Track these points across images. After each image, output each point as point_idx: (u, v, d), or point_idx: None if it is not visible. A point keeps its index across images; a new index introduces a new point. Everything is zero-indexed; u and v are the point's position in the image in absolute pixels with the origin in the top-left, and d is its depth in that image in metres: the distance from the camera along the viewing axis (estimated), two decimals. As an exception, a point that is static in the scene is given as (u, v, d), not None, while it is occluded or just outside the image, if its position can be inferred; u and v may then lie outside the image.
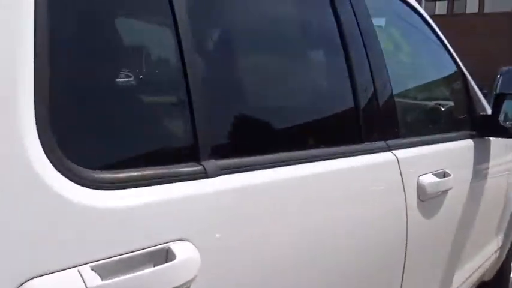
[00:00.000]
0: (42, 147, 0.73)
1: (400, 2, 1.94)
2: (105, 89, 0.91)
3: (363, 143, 1.47)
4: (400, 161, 1.53)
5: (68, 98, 0.83)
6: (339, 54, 1.48)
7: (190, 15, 1.00)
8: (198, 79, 1.00)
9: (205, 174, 0.97)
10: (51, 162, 0.74)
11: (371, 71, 1.54)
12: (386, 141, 1.54)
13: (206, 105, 1.00)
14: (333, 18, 1.47)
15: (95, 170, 0.81)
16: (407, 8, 2.00)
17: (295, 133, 1.31)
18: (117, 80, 0.93)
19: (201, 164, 0.97)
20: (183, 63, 0.97)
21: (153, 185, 0.89)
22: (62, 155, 0.76)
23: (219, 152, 1.03)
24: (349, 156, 1.37)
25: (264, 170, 1.10)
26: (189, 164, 0.96)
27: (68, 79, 0.83)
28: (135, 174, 0.87)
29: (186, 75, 0.97)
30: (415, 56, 2.20)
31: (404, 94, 1.94)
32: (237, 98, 1.19)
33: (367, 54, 1.53)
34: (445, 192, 1.75)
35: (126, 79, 0.94)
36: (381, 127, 1.56)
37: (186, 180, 0.94)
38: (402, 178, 1.53)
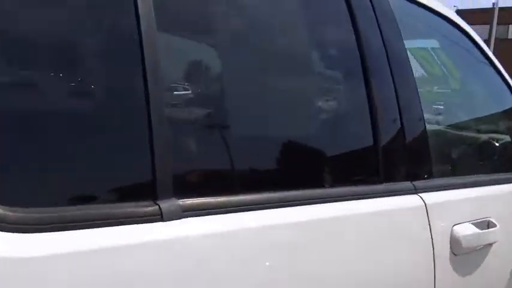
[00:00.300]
0: None
1: (447, 24, 1.71)
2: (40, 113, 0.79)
3: (383, 183, 1.25)
4: (428, 206, 1.30)
5: None
6: (358, 80, 1.28)
7: (156, 55, 0.86)
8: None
9: (159, 217, 0.81)
10: None
11: (397, 100, 1.33)
12: (413, 182, 1.32)
13: (168, 130, 0.86)
14: (354, 39, 1.28)
15: (16, 208, 0.69)
16: (456, 31, 1.76)
17: (290, 168, 1.13)
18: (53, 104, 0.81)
19: (156, 204, 0.83)
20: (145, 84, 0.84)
21: (94, 227, 0.75)
22: None
23: (184, 189, 0.88)
24: (360, 198, 1.17)
25: (243, 213, 0.93)
26: (143, 203, 0.82)
27: None
28: (69, 214, 0.74)
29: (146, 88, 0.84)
30: (461, 84, 1.95)
31: (444, 127, 1.70)
32: (214, 125, 1.04)
33: (394, 81, 1.33)
34: (488, 246, 1.48)
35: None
36: (406, 165, 1.34)
37: (135, 223, 0.79)
38: (430, 227, 1.30)
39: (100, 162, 0.82)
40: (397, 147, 1.32)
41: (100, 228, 0.76)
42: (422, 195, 1.31)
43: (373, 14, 1.31)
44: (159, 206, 0.82)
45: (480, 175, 1.61)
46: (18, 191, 0.72)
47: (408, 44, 1.70)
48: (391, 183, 1.28)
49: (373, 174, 1.27)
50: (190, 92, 0.99)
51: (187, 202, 0.86)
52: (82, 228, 0.74)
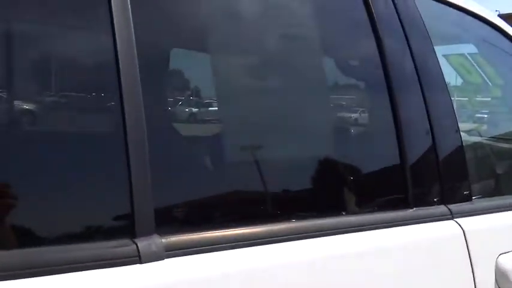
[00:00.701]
0: None
1: (486, 26, 1.53)
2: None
3: (412, 208, 1.09)
4: (467, 234, 1.13)
5: None
6: (382, 95, 1.14)
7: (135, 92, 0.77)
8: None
9: (137, 258, 0.69)
10: None
11: (428, 114, 1.17)
12: (448, 206, 1.15)
13: (146, 159, 0.74)
14: (375, 49, 1.13)
15: None
16: (496, 33, 1.59)
17: (297, 195, 0.99)
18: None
19: (134, 243, 0.71)
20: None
21: (58, 273, 0.64)
22: None
23: (167, 225, 0.75)
24: (385, 226, 1.01)
25: (239, 250, 0.80)
26: (119, 241, 0.70)
27: None
28: (30, 258, 0.63)
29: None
30: (504, 91, 1.75)
31: (486, 140, 1.51)
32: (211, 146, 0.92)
33: (423, 93, 1.17)
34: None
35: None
36: (440, 186, 1.17)
37: (108, 267, 0.68)
38: (470, 258, 1.12)
39: (69, 194, 0.71)
40: (427, 166, 1.16)
41: (66, 274, 0.65)
42: (460, 220, 1.14)
43: (397, 19, 1.17)
44: (136, 245, 0.70)
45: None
46: None
47: (444, 49, 1.55)
48: (422, 207, 1.11)
49: (401, 197, 1.11)
50: (172, 120, 0.89)
51: (172, 239, 0.74)
52: (44, 275, 0.64)
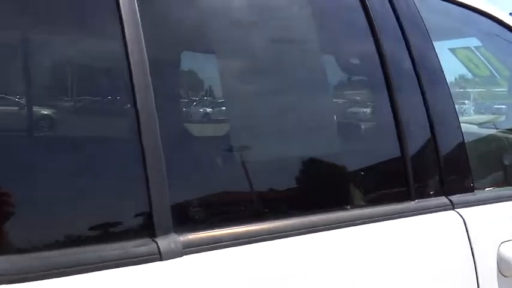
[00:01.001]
0: None
1: (484, 18, 1.56)
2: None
3: (414, 200, 1.14)
4: (468, 223, 1.17)
5: None
6: (380, 90, 1.18)
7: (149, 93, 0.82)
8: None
9: (158, 256, 0.75)
10: None
11: (427, 107, 1.21)
12: (449, 197, 1.19)
13: (163, 157, 0.80)
14: (374, 48, 1.18)
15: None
16: (499, 27, 1.61)
17: (305, 190, 1.04)
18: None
19: (154, 241, 0.76)
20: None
21: (81, 272, 0.69)
22: None
23: (183, 224, 0.81)
24: (387, 219, 1.06)
25: (254, 244, 0.85)
26: (139, 241, 0.76)
27: None
28: (55, 260, 0.68)
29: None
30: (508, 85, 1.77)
31: (491, 133, 1.54)
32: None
33: (421, 88, 1.21)
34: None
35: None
36: (441, 179, 1.21)
37: (132, 265, 0.73)
38: (471, 246, 1.16)
39: (89, 198, 0.77)
40: (428, 159, 1.20)
41: (93, 273, 0.70)
42: (461, 210, 1.18)
43: (392, 15, 1.21)
44: (157, 244, 0.76)
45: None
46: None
47: (448, 43, 1.57)
48: (424, 199, 1.16)
49: (402, 190, 1.16)
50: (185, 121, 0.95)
51: (189, 237, 0.80)
52: (70, 275, 0.68)
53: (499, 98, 1.84)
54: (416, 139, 1.19)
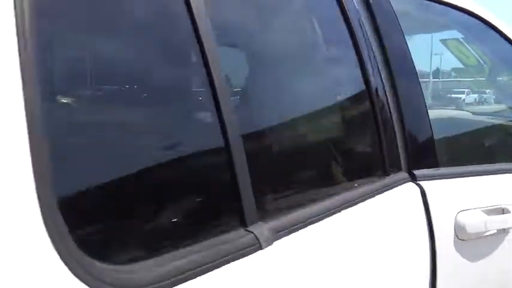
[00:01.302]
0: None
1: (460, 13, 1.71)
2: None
3: (381, 178, 1.31)
4: (427, 194, 1.35)
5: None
6: (356, 78, 1.35)
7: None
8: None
9: (258, 245, 0.77)
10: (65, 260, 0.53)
11: (395, 92, 1.38)
12: (413, 171, 1.37)
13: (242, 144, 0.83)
14: (346, 30, 1.34)
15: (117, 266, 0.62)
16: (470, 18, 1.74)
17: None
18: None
19: (250, 232, 0.79)
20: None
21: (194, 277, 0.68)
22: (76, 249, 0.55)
23: (266, 212, 0.86)
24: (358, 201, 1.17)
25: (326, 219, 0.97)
26: (234, 233, 0.77)
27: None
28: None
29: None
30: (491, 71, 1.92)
31: (479, 120, 1.69)
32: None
33: (391, 74, 1.38)
34: (503, 233, 1.48)
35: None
36: (407, 156, 1.39)
37: (240, 258, 0.74)
38: (430, 214, 1.34)
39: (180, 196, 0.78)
40: (394, 141, 1.37)
41: (210, 273, 0.70)
42: (422, 183, 1.36)
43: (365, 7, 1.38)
44: (254, 234, 0.78)
45: (498, 164, 1.60)
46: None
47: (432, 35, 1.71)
48: (390, 176, 1.33)
49: (370, 171, 1.32)
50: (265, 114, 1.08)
51: (274, 223, 0.84)
52: (186, 281, 0.67)
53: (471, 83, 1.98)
54: (385, 121, 1.36)
